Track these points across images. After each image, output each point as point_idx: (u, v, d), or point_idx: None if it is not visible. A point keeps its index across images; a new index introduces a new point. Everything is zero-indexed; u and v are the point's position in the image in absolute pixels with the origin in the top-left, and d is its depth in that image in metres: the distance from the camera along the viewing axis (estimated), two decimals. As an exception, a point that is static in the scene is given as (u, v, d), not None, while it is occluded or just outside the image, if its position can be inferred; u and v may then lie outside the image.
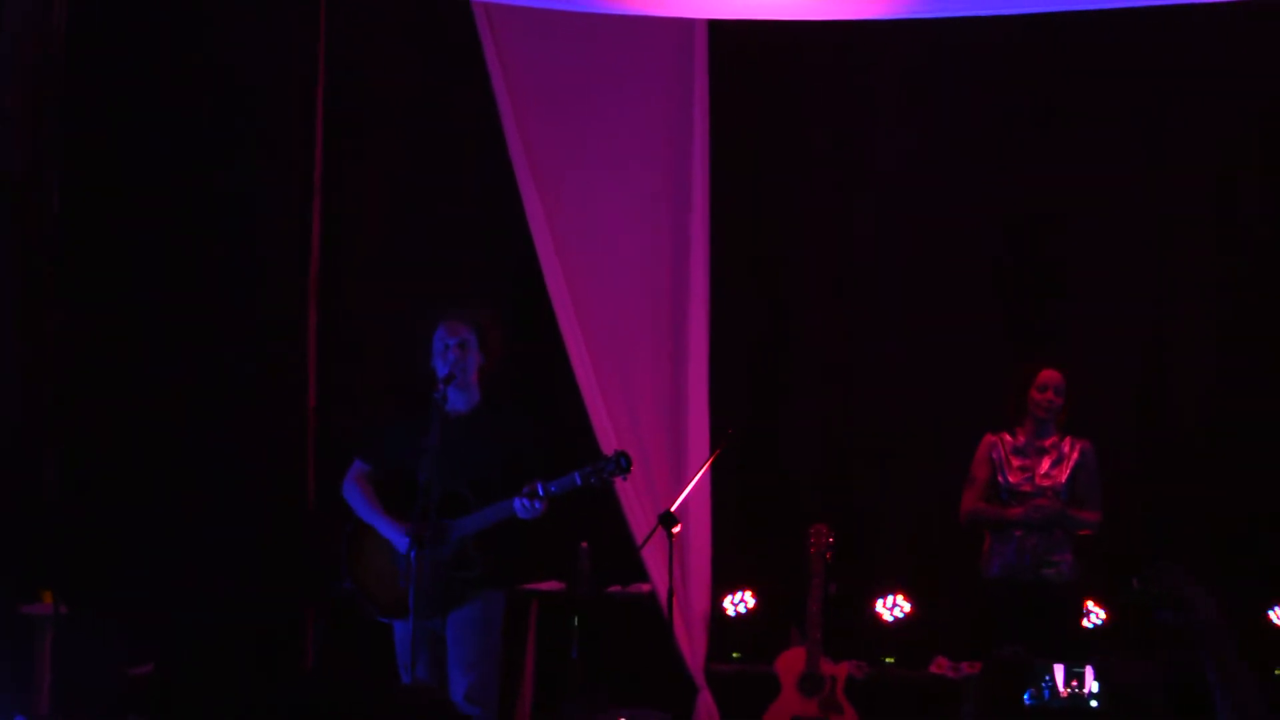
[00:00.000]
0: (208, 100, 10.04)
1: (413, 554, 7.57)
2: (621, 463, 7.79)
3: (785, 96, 10.25)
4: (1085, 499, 8.89)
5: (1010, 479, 8.90)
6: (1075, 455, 8.91)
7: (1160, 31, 9.56)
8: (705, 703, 9.57)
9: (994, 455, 8.97)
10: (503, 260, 10.03)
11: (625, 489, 9.45)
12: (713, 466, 9.42)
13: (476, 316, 8.00)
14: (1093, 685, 4.24)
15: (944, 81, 10.10)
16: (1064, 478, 8.87)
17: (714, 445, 9.55)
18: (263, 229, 10.16)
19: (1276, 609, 9.34)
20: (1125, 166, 9.90)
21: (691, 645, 9.59)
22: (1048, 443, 8.93)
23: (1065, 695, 4.27)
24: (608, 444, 9.33)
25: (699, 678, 9.60)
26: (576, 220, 9.74)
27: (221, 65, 10.02)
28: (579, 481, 7.72)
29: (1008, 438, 8.99)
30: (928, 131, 10.11)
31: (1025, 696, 4.41)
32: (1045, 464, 8.90)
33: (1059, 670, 4.25)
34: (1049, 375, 8.90)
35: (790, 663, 9.35)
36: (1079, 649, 8.34)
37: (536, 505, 7.68)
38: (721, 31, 9.82)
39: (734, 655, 9.83)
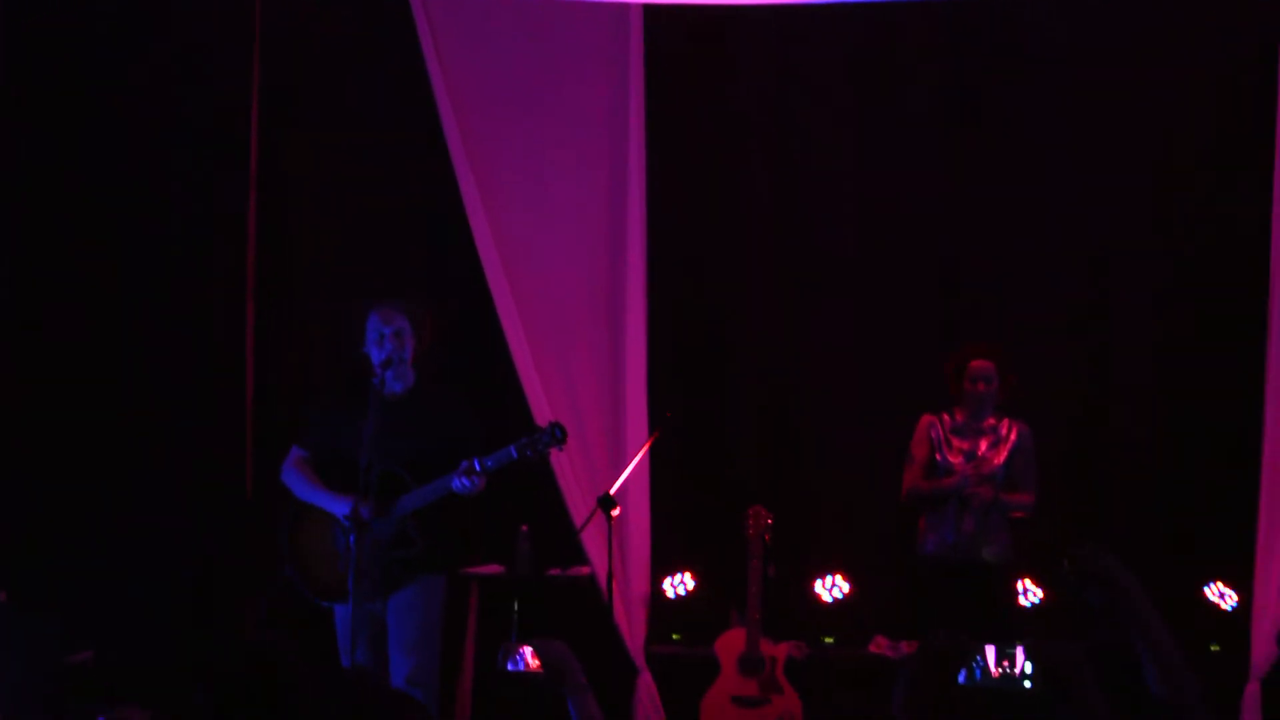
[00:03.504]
0: (143, 89, 10.02)
1: (352, 537, 7.60)
2: (556, 433, 7.84)
3: (722, 82, 10.25)
4: (1020, 481, 8.97)
5: (949, 458, 8.96)
6: (1013, 438, 8.98)
7: (1098, 17, 9.67)
8: (645, 684, 9.61)
9: (933, 434, 9.03)
10: (440, 247, 10.02)
11: (564, 472, 9.49)
12: (651, 450, 9.45)
13: (408, 303, 8.03)
14: (1024, 666, 4.28)
15: (884, 67, 10.11)
16: (1001, 460, 8.94)
17: (652, 428, 9.59)
18: (199, 216, 10.12)
19: (1210, 586, 9.41)
20: (1064, 153, 9.93)
21: (631, 627, 9.63)
22: (986, 424, 9.00)
23: (997, 675, 4.32)
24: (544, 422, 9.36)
25: (639, 659, 9.63)
26: (514, 206, 9.74)
27: (157, 54, 10.00)
28: (515, 454, 7.76)
29: (946, 418, 9.06)
30: (867, 117, 10.13)
31: (959, 677, 4.44)
32: (983, 445, 8.96)
33: (990, 651, 4.30)
34: (979, 366, 8.95)
35: (730, 644, 9.39)
36: (1012, 629, 8.42)
37: (474, 481, 7.71)
38: (657, 18, 9.85)
39: (674, 637, 9.86)
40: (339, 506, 7.83)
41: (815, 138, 10.21)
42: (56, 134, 9.96)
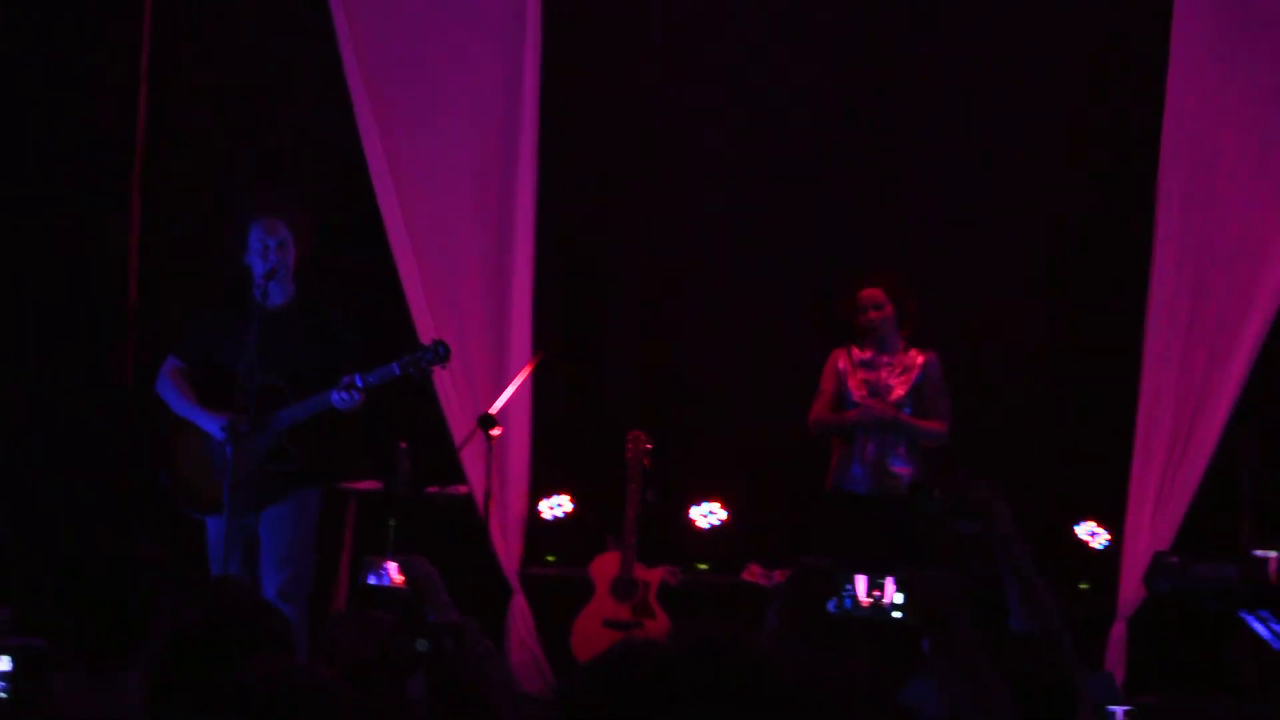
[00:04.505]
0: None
1: (228, 448, 7.56)
2: (440, 351, 7.83)
3: (617, 15, 10.22)
4: (930, 410, 8.93)
5: (851, 390, 8.94)
6: (918, 364, 8.94)
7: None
8: (519, 605, 9.63)
9: (840, 366, 8.98)
10: (333, 164, 9.96)
11: (446, 390, 9.47)
12: (534, 372, 9.45)
13: (290, 214, 7.98)
14: (894, 595, 4.31)
15: (784, 21, 10.11)
16: (904, 389, 8.91)
17: (535, 351, 9.58)
18: (86, 116, 10.02)
19: (1080, 525, 9.50)
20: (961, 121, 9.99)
21: (507, 548, 9.64)
22: (894, 356, 8.95)
23: (866, 605, 4.34)
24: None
25: (514, 580, 9.65)
26: (407, 128, 9.69)
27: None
28: (397, 371, 7.75)
29: (856, 351, 8.97)
30: (761, 61, 10.12)
31: (829, 605, 4.47)
32: (886, 375, 8.93)
33: (861, 580, 4.32)
34: (866, 294, 8.91)
35: (604, 567, 9.42)
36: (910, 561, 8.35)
37: (353, 396, 7.69)
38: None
39: (549, 559, 9.88)
40: (212, 424, 7.80)
41: (709, 72, 10.19)
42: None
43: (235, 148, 10.08)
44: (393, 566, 5.24)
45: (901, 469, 8.83)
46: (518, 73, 9.74)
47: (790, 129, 10.09)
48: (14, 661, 6.74)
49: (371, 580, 5.38)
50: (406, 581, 5.17)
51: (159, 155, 10.15)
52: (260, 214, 8.01)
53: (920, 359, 8.94)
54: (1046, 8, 9.84)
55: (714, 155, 10.21)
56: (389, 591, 5.27)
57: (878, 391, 8.88)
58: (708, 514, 9.83)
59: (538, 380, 9.63)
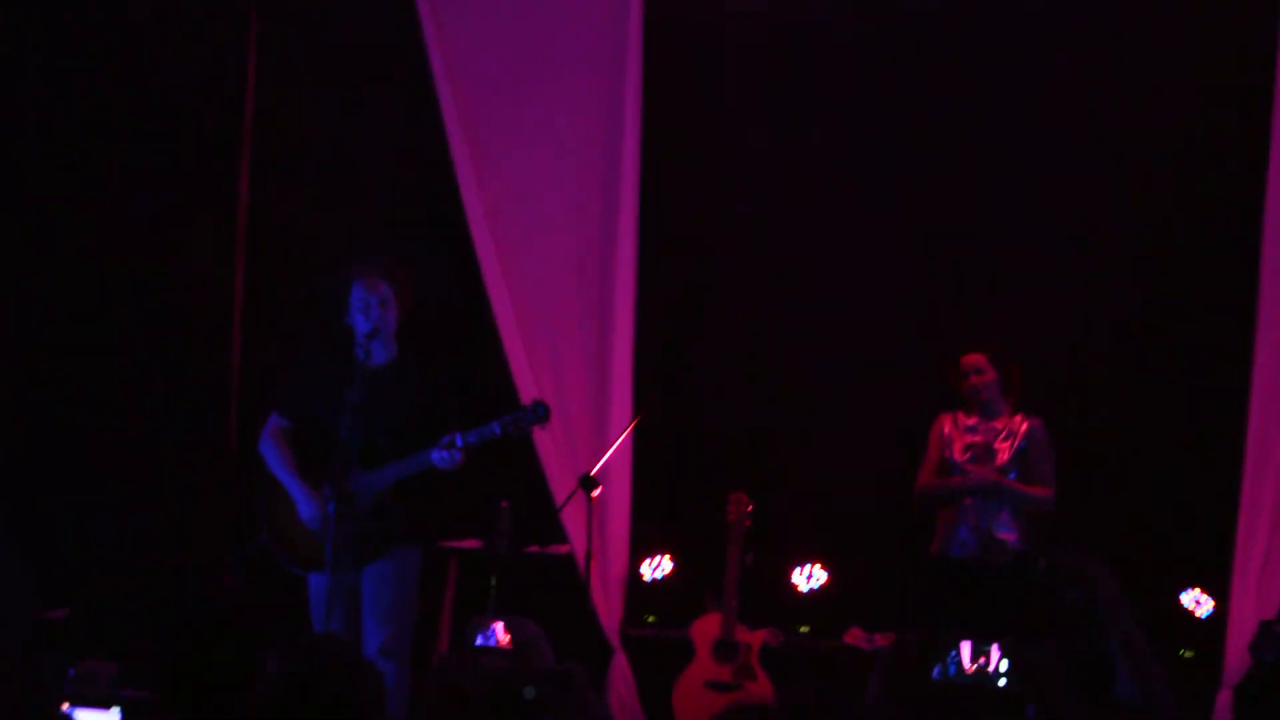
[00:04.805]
0: (136, 56, 10.04)
1: (331, 506, 7.59)
2: (540, 412, 7.84)
3: (719, 66, 10.23)
4: (1035, 476, 8.88)
5: (955, 455, 8.92)
6: (1022, 431, 8.90)
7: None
8: (620, 665, 9.60)
9: (944, 433, 8.98)
10: (432, 223, 10.00)
11: (547, 450, 9.47)
12: (635, 431, 9.44)
13: (392, 273, 8.02)
14: (999, 663, 4.27)
15: (874, 61, 10.10)
16: (1009, 455, 8.87)
17: (636, 410, 9.58)
18: (189, 178, 10.13)
19: (1185, 592, 9.41)
20: (1051, 147, 9.92)
21: (608, 608, 9.61)
22: (998, 422, 8.93)
23: (971, 672, 4.31)
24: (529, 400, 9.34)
25: (614, 640, 9.62)
26: (507, 183, 9.70)
27: (149, 25, 10.04)
28: (498, 431, 7.76)
29: (961, 416, 8.98)
30: (858, 112, 10.10)
31: (933, 671, 4.45)
32: (992, 441, 8.89)
33: (965, 647, 4.30)
34: (968, 360, 8.93)
35: (705, 629, 9.39)
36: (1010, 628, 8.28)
37: (454, 456, 7.71)
38: (657, 6, 9.83)
39: (649, 619, 9.86)
40: (306, 505, 7.86)
41: (810, 129, 10.18)
42: (44, 104, 10.01)
43: (336, 205, 10.14)
44: (499, 627, 5.27)
45: (1006, 534, 8.77)
46: (618, 123, 9.73)
47: (905, 184, 10.07)
48: (122, 714, 6.83)
49: (479, 641, 5.40)
50: (512, 642, 5.19)
51: (262, 213, 10.23)
52: (361, 272, 8.05)
53: (1025, 425, 8.90)
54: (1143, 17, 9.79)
55: (824, 209, 10.17)
56: (495, 651, 5.30)
57: (981, 458, 8.84)
58: (809, 576, 9.80)
59: (638, 439, 9.62)
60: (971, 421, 8.94)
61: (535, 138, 9.76)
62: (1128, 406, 9.79)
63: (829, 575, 9.79)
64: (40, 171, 10.02)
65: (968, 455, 8.87)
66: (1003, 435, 8.89)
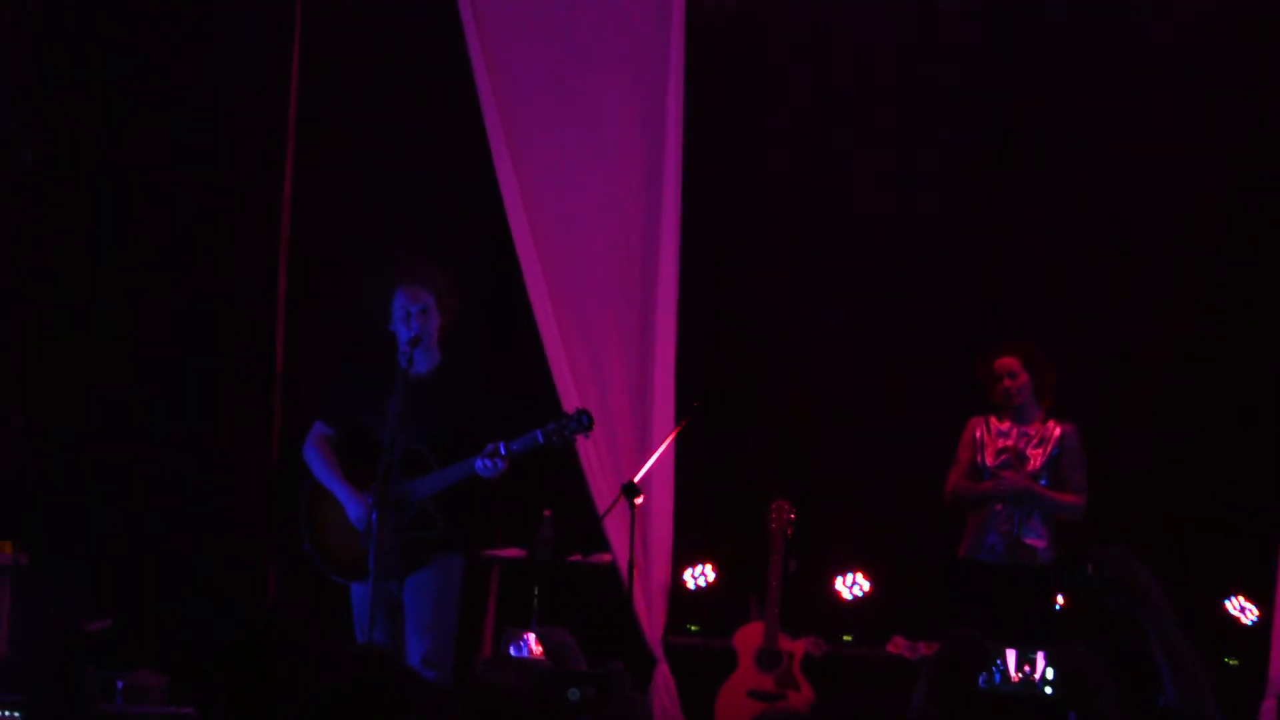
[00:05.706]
0: (182, 70, 10.09)
1: (374, 515, 7.59)
2: (583, 420, 7.84)
3: (760, 75, 10.24)
4: (1067, 482, 8.86)
5: (987, 460, 8.89)
6: (1055, 437, 8.88)
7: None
8: (663, 674, 9.58)
9: (976, 436, 8.96)
10: (473, 231, 10.02)
11: (589, 458, 9.46)
12: (677, 440, 9.44)
13: (434, 280, 8.03)
14: (1045, 671, 4.25)
15: (922, 63, 10.09)
16: (1041, 461, 8.84)
17: (679, 418, 9.57)
18: (232, 187, 10.18)
19: (1231, 600, 9.36)
20: (1097, 145, 9.90)
21: (650, 617, 9.60)
22: (1031, 427, 8.90)
23: (1017, 680, 4.29)
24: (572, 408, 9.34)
25: (657, 649, 9.61)
26: (550, 194, 9.72)
27: (194, 40, 10.10)
28: (541, 439, 7.76)
29: (993, 420, 8.96)
30: (901, 118, 10.10)
31: (979, 680, 4.42)
32: (1024, 446, 8.87)
33: (1011, 655, 4.27)
34: (1002, 363, 8.90)
35: (748, 637, 9.37)
36: (1043, 634, 8.27)
37: (498, 464, 7.71)
38: (698, 9, 9.82)
39: (692, 628, 9.84)
40: (354, 506, 7.87)
41: (851, 135, 10.17)
42: (93, 116, 10.07)
43: (379, 213, 10.16)
44: (532, 637, 5.27)
45: (1035, 541, 8.77)
46: (660, 133, 9.74)
47: (952, 189, 10.09)
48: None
49: (513, 651, 5.41)
50: (545, 652, 5.19)
51: (304, 222, 10.26)
52: (404, 281, 8.06)
53: (1058, 430, 8.88)
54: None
55: (864, 217, 10.17)
56: (529, 662, 5.30)
57: (1013, 463, 8.82)
58: (852, 584, 9.77)
59: (680, 448, 9.61)
60: (1004, 426, 8.92)
61: (579, 153, 9.78)
62: (1172, 412, 9.74)
63: (872, 583, 9.77)
64: (86, 183, 10.06)
65: (1000, 460, 8.85)
66: (1035, 441, 8.87)
